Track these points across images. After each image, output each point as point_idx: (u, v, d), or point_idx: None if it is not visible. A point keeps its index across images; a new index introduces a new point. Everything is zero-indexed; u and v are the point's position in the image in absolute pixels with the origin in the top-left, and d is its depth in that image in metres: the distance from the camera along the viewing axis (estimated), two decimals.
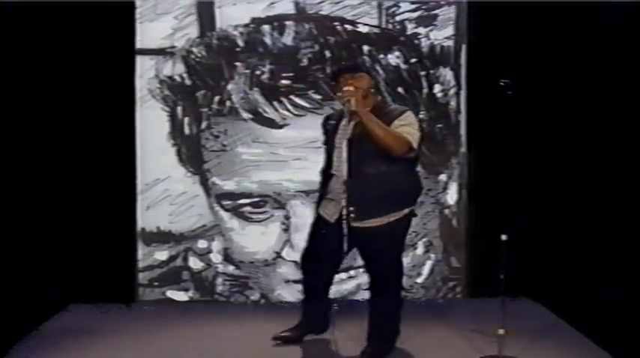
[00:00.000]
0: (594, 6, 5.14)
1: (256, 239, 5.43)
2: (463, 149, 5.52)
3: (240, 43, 5.39)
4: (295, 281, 5.33)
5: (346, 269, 5.43)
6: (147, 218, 5.43)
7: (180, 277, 5.47)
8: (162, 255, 5.45)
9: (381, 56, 5.42)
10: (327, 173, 4.19)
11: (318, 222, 4.22)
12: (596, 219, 5.27)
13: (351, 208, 3.94)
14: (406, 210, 4.05)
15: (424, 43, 5.47)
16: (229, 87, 5.38)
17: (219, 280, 5.48)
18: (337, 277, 5.32)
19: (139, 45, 5.38)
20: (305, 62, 5.39)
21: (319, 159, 5.06)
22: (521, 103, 4.32)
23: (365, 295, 5.42)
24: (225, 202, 5.43)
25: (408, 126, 3.95)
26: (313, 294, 4.38)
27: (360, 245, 4.07)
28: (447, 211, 5.54)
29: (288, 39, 5.41)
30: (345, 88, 3.98)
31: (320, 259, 4.22)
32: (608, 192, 5.28)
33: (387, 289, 4.13)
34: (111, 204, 5.29)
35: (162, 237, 5.44)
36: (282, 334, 4.46)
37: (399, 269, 4.15)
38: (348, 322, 4.87)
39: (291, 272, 5.34)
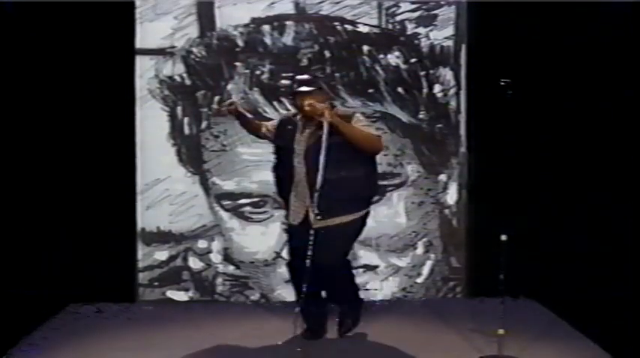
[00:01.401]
0: (594, 6, 5.14)
1: (256, 239, 5.43)
2: (463, 149, 5.52)
3: (240, 43, 5.38)
4: None
5: None
6: (147, 218, 5.43)
7: (180, 277, 5.47)
8: (162, 255, 5.45)
9: (381, 56, 5.42)
10: (285, 178, 4.31)
11: (289, 228, 4.40)
12: (596, 219, 5.27)
13: (316, 211, 4.08)
14: (363, 211, 4.30)
15: (424, 43, 5.46)
16: (229, 87, 5.38)
17: (219, 280, 5.48)
18: None
19: (139, 45, 5.37)
20: (305, 62, 5.39)
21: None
22: (522, 103, 4.32)
23: (365, 294, 5.45)
24: (225, 202, 5.43)
25: (368, 127, 4.26)
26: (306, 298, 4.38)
27: (319, 242, 4.11)
28: (447, 211, 5.54)
29: (288, 39, 5.40)
30: (308, 102, 4.14)
31: (301, 262, 4.21)
32: (608, 192, 5.28)
33: (337, 278, 4.37)
34: (111, 204, 5.29)
35: (162, 237, 5.44)
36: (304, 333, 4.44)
37: (346, 262, 4.44)
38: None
39: None
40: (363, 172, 4.23)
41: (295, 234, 4.32)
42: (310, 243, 4.04)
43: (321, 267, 4.12)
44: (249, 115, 4.58)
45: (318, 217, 4.09)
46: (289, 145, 4.30)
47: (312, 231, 4.05)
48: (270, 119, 5.32)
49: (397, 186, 5.48)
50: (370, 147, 4.20)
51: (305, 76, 4.43)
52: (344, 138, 4.10)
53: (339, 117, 4.18)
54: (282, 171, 4.37)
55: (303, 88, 4.26)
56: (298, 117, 4.35)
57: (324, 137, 4.04)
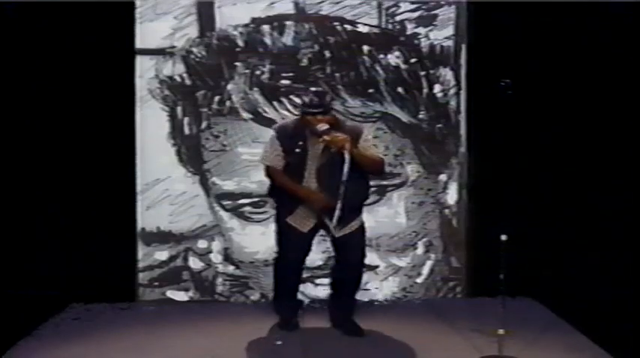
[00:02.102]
0: (594, 6, 5.14)
1: (256, 239, 5.43)
2: (463, 149, 5.52)
3: (240, 43, 5.38)
4: None
5: None
6: (147, 218, 5.43)
7: (181, 277, 5.47)
8: (162, 255, 5.45)
9: (381, 56, 5.42)
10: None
11: (288, 231, 4.54)
12: (596, 219, 5.27)
13: (335, 223, 4.35)
14: (363, 216, 4.60)
15: (424, 43, 5.46)
16: (229, 87, 5.38)
17: (219, 280, 5.48)
18: None
19: (139, 45, 5.37)
20: (305, 62, 5.39)
21: None
22: (522, 103, 4.33)
23: (365, 294, 5.46)
24: (225, 202, 5.43)
25: (374, 147, 4.51)
26: (289, 298, 4.79)
27: (338, 245, 4.55)
28: (447, 211, 5.54)
29: (288, 39, 5.40)
30: (324, 127, 4.23)
31: (295, 266, 4.64)
32: (608, 191, 5.28)
33: (355, 277, 4.63)
34: (111, 204, 5.29)
35: (162, 237, 5.44)
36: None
37: (361, 266, 4.66)
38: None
39: None
40: (366, 182, 4.52)
41: (297, 239, 4.52)
42: (309, 248, 4.58)
43: (354, 266, 4.57)
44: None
45: (338, 229, 4.41)
46: (302, 157, 4.40)
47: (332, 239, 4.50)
48: (271, 119, 5.33)
49: (397, 186, 5.48)
50: (376, 171, 4.52)
51: (316, 91, 4.65)
52: (359, 165, 4.29)
53: (348, 132, 4.31)
54: (291, 178, 4.44)
55: (315, 109, 4.32)
56: (306, 130, 4.38)
57: (346, 170, 4.18)
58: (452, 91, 5.48)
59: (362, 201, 4.55)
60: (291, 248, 4.58)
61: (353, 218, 4.48)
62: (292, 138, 4.42)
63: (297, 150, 4.38)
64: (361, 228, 4.56)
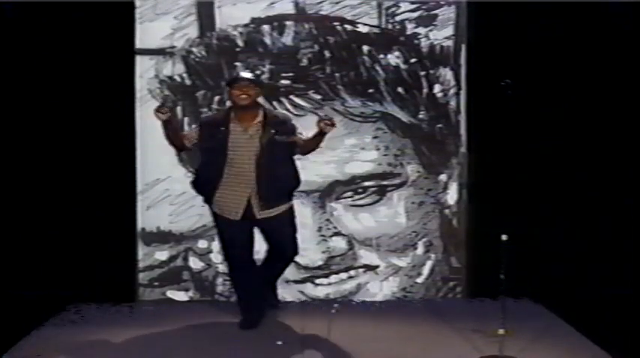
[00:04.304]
0: (595, 6, 5.15)
1: (256, 239, 5.41)
2: (463, 149, 5.52)
3: (240, 43, 5.38)
4: (295, 282, 5.33)
5: (346, 269, 5.44)
6: (147, 218, 5.43)
7: (181, 277, 5.47)
8: (162, 255, 5.45)
9: (381, 56, 5.42)
10: (216, 178, 4.56)
11: (223, 222, 4.65)
12: (596, 219, 5.28)
13: (262, 202, 4.53)
14: (292, 201, 4.74)
15: (424, 43, 5.46)
16: None
17: (219, 280, 5.48)
18: (337, 277, 5.37)
19: (139, 45, 5.37)
20: (305, 62, 5.39)
21: (319, 159, 5.08)
22: (522, 103, 4.33)
23: (365, 294, 5.46)
24: None
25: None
26: (249, 289, 4.80)
27: (267, 229, 4.69)
28: (447, 211, 5.54)
29: (288, 39, 5.40)
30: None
31: (244, 255, 4.67)
32: (608, 191, 5.29)
33: (285, 256, 4.78)
34: (111, 204, 5.29)
35: (162, 237, 5.44)
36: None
37: (296, 242, 4.77)
38: (346, 322, 4.89)
39: (291, 272, 5.32)
40: (294, 168, 4.67)
41: (235, 229, 4.60)
42: (251, 238, 4.66)
43: (283, 250, 4.71)
44: (176, 126, 4.86)
45: (265, 208, 4.54)
46: (223, 145, 4.52)
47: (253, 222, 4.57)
48: None
49: (397, 186, 5.48)
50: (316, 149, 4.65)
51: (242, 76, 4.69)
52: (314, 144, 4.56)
53: (274, 115, 4.64)
54: (214, 171, 4.56)
55: (247, 74, 4.66)
56: (232, 114, 4.57)
57: (253, 134, 4.45)
58: (452, 91, 5.48)
59: (293, 188, 4.70)
60: (232, 242, 4.68)
61: (282, 202, 4.62)
62: (213, 126, 4.59)
63: (220, 127, 4.54)
64: (289, 211, 4.70)
